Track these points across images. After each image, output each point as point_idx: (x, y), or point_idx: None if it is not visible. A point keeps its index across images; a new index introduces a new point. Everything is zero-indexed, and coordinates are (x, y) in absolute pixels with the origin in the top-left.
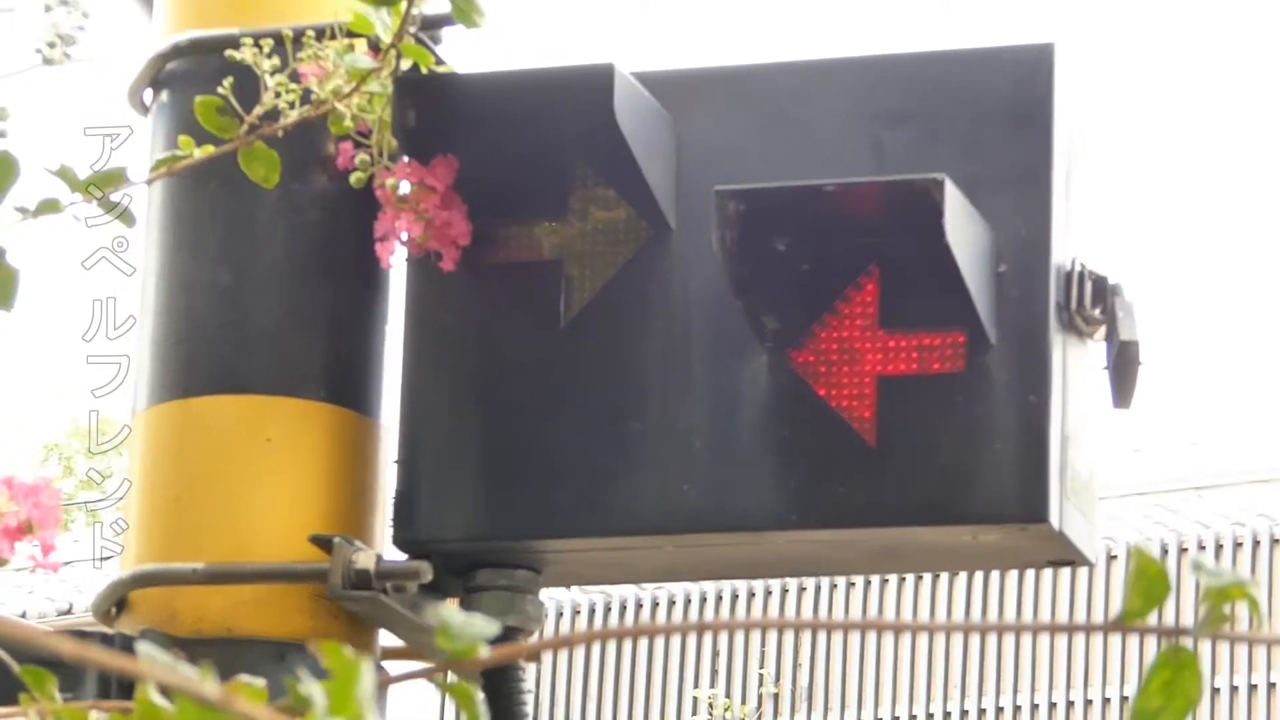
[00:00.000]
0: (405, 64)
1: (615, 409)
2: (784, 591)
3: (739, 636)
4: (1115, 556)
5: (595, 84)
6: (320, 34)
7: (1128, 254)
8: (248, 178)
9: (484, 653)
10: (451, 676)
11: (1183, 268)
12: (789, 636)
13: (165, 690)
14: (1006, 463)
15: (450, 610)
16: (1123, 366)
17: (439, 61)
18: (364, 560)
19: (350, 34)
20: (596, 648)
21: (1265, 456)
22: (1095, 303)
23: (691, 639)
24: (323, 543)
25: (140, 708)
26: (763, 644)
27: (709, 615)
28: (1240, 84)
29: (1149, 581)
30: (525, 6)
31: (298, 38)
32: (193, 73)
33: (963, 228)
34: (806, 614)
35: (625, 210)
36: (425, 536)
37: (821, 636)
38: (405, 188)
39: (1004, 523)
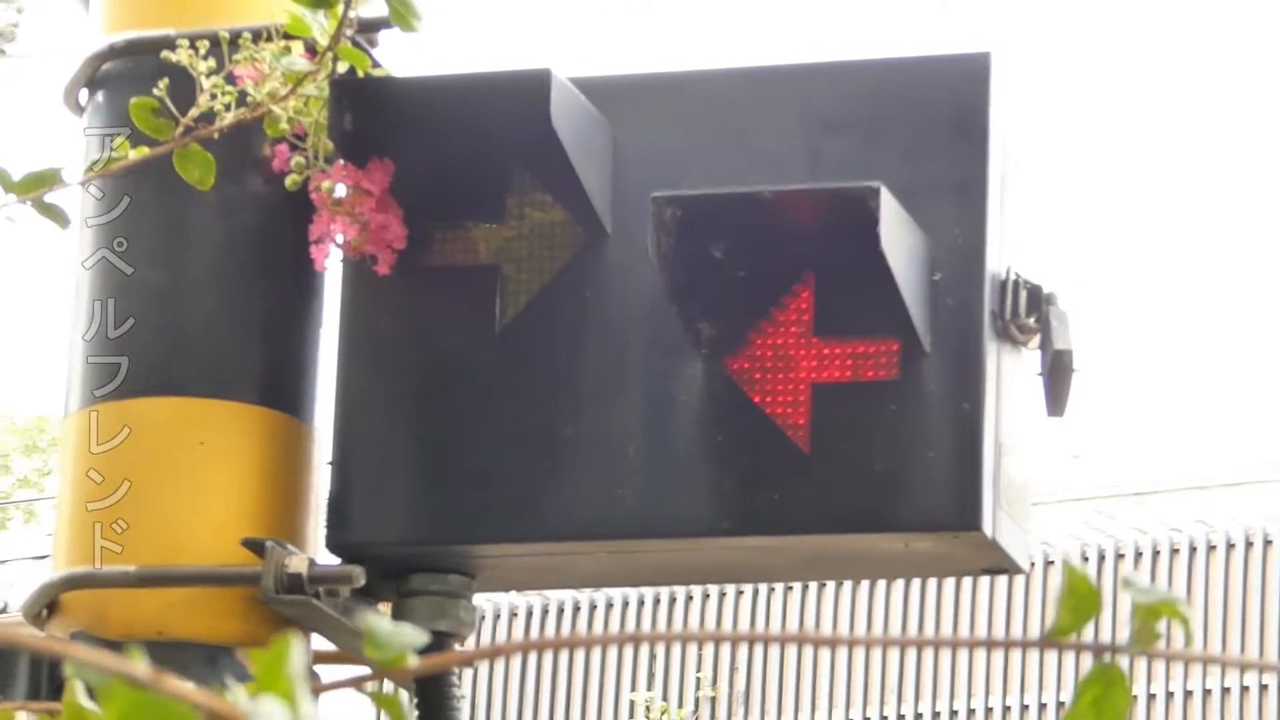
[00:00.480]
0: (342, 67)
1: (550, 414)
2: (721, 595)
3: (676, 641)
4: (1052, 563)
5: (532, 88)
6: (257, 36)
7: (1066, 262)
8: (183, 179)
9: (413, 661)
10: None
11: (1122, 276)
12: (726, 641)
13: (93, 689)
14: (940, 471)
15: (379, 618)
16: (1056, 375)
17: (375, 65)
18: (297, 564)
19: (287, 36)
20: (532, 652)
21: (1203, 463)
22: (1029, 311)
23: (612, 645)
24: (255, 546)
25: (68, 710)
26: (699, 649)
27: (645, 619)
28: (1178, 93)
29: (1079, 598)
30: (536, 7)
31: (234, 40)
32: (129, 73)
33: (898, 236)
34: (744, 617)
35: (561, 215)
36: (358, 540)
37: (758, 643)
38: (341, 191)
39: (937, 530)
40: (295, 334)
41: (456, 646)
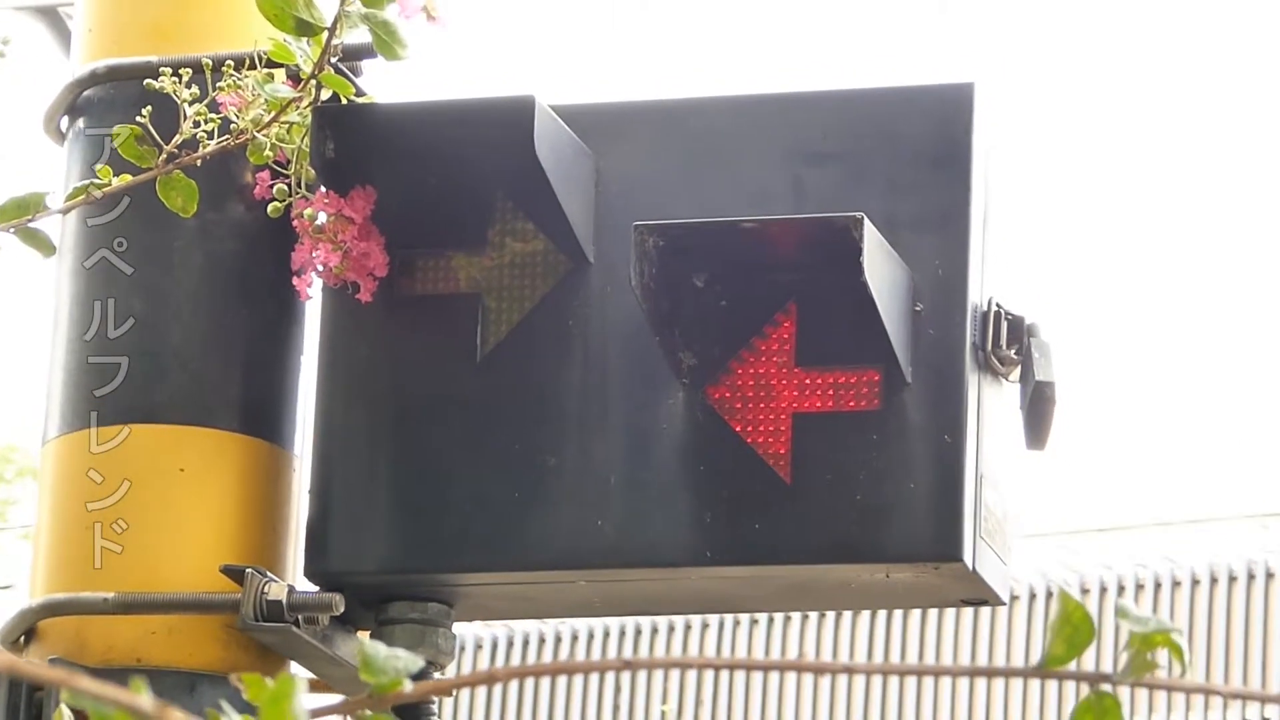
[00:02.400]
0: (325, 94)
1: (531, 443)
2: (686, 626)
3: (640, 672)
4: (1017, 597)
5: (515, 117)
6: (240, 63)
7: (1048, 293)
8: (164, 206)
9: (407, 687)
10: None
11: (1097, 309)
12: (692, 672)
13: (80, 715)
14: (921, 502)
15: (373, 644)
16: (1037, 407)
17: (359, 92)
18: (276, 591)
19: (270, 63)
20: (525, 679)
21: (1169, 499)
22: (1011, 343)
23: (593, 674)
24: (235, 573)
25: None
26: (665, 680)
27: (610, 650)
28: (1180, 104)
29: (1073, 628)
30: (534, 8)
31: (217, 67)
32: (110, 100)
33: (880, 266)
34: (710, 648)
35: (544, 243)
36: (338, 568)
37: (724, 672)
38: (323, 218)
39: (918, 561)
40: (276, 361)
41: (436, 675)
